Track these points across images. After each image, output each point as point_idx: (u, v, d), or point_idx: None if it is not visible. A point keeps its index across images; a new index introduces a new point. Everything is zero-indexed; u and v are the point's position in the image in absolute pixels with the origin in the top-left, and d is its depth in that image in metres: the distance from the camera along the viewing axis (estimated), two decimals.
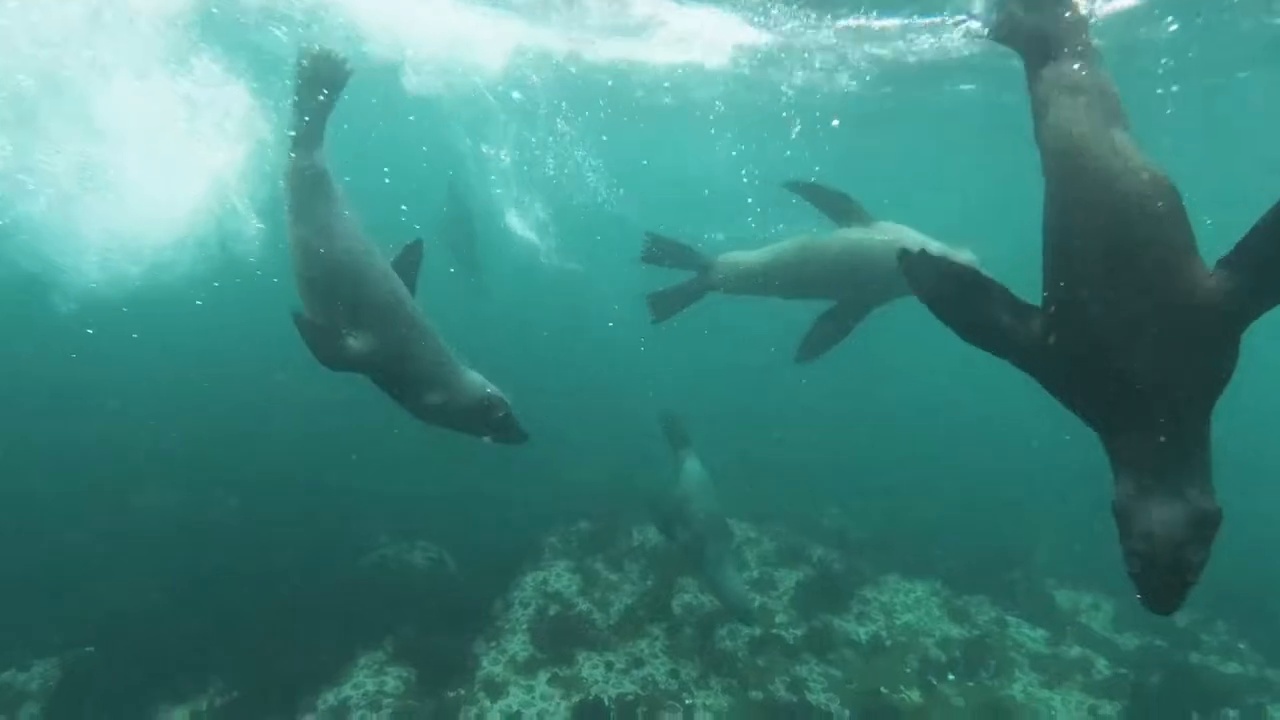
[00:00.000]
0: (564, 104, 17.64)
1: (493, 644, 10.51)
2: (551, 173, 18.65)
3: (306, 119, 5.37)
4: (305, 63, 5.39)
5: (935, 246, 6.18)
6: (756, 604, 10.23)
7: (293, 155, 5.30)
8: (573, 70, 15.93)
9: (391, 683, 9.73)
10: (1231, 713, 10.12)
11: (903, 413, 25.97)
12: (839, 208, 6.96)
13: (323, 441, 17.45)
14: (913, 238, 6.62)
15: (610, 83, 17.06)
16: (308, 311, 5.14)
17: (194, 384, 18.90)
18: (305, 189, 5.23)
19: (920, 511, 17.63)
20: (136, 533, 12.39)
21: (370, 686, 9.64)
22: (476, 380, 5.30)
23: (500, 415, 5.17)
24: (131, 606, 10.64)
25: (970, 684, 10.77)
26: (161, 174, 10.88)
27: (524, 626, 10.83)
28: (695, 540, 10.04)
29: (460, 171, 17.17)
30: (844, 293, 7.05)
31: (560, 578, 12.19)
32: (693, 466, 10.89)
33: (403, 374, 5.12)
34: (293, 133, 5.36)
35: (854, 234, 6.88)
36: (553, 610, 11.27)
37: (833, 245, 6.98)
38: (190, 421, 17.60)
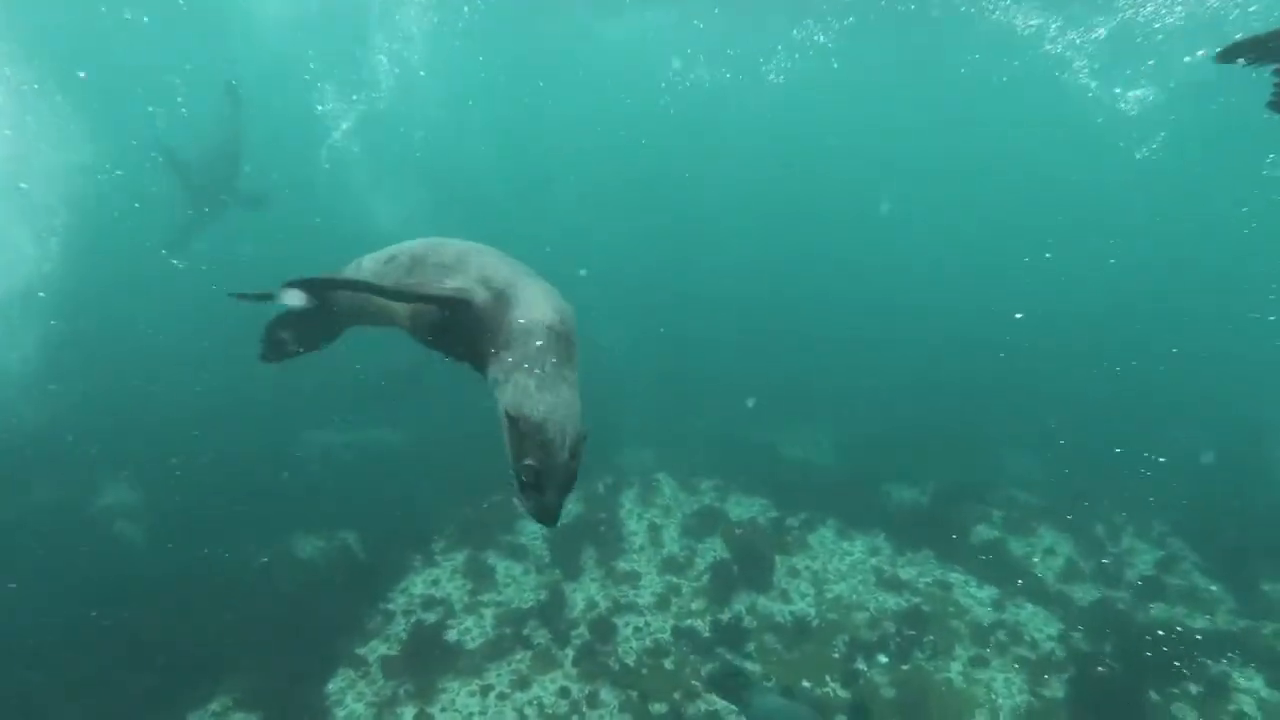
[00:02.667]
0: None
1: (361, 673, 9.28)
2: None
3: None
4: None
5: None
6: None
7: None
8: None
9: None
10: (1193, 687, 8.97)
11: (867, 326, 24.42)
12: None
13: (246, 418, 16.06)
14: None
15: None
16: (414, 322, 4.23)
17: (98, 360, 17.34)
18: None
19: (874, 439, 16.41)
20: None
21: None
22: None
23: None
24: None
25: (904, 667, 9.61)
26: None
27: (397, 648, 9.59)
28: None
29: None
30: None
31: (452, 578, 10.92)
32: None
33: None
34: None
35: None
36: (433, 621, 10.03)
37: None
38: (87, 405, 16.21)
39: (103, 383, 15.57)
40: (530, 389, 3.52)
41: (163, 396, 14.81)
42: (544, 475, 3.24)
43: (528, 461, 3.25)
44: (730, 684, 8.91)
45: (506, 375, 3.62)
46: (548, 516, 3.26)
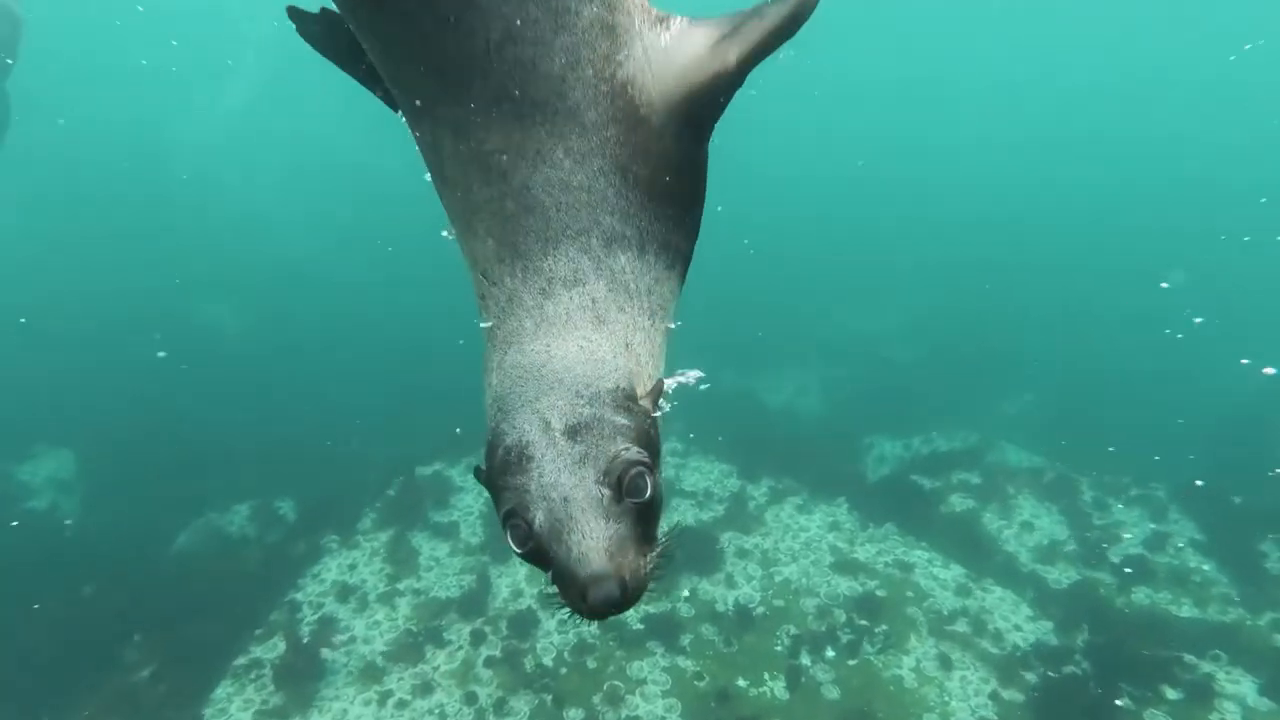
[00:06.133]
0: None
1: (252, 677, 8.54)
2: None
3: None
4: None
5: None
6: None
7: None
8: None
9: None
10: (1171, 692, 7.97)
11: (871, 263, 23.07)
12: None
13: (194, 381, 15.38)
14: None
15: None
16: None
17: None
18: None
19: (865, 387, 15.40)
20: None
21: None
22: None
23: None
24: None
25: (851, 663, 8.70)
26: None
27: (295, 648, 8.78)
28: None
29: None
30: None
31: (370, 562, 10.11)
32: None
33: None
34: None
35: None
36: (341, 615, 9.25)
37: None
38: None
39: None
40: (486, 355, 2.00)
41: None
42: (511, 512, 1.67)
43: (504, 508, 1.70)
44: None
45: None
46: (581, 603, 1.59)
